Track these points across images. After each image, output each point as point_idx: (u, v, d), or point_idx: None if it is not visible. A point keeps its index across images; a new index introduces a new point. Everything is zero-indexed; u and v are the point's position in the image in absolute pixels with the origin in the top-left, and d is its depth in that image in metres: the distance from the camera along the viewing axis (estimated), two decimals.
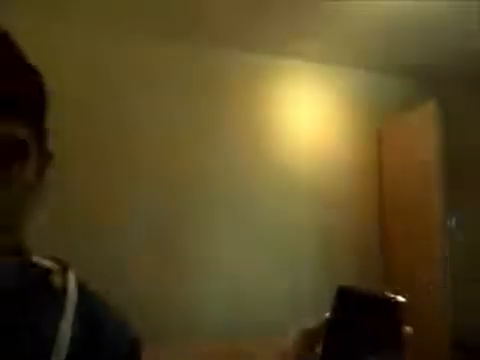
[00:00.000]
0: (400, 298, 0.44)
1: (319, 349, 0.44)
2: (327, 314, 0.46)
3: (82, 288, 0.55)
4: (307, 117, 2.84)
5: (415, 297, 2.55)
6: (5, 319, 0.45)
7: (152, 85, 2.56)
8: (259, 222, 2.63)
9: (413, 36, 2.51)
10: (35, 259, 0.54)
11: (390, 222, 2.83)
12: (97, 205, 2.38)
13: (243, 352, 2.01)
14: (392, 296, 0.43)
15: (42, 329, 0.47)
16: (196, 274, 2.49)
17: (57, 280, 0.52)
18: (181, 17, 2.34)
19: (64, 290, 0.51)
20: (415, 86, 3.03)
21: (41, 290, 0.50)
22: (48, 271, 0.53)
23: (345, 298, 0.44)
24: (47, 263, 0.55)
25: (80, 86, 2.42)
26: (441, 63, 2.83)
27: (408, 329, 0.42)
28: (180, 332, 2.37)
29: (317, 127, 2.85)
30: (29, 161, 0.45)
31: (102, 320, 0.54)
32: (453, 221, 2.56)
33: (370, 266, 2.83)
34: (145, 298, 2.38)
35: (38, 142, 0.47)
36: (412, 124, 2.64)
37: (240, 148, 2.67)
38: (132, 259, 2.40)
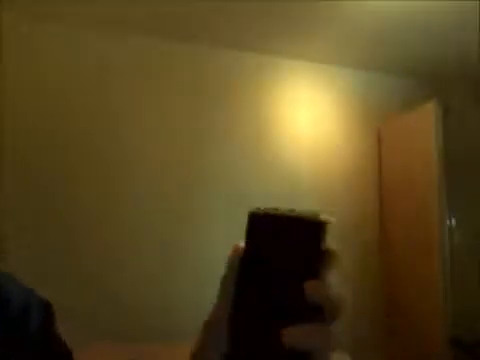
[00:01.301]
0: (326, 217, 0.35)
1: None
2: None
3: None
4: (307, 117, 2.84)
5: (414, 297, 2.55)
6: None
7: (151, 85, 2.56)
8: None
9: (413, 36, 2.50)
10: None
11: (390, 222, 2.83)
12: (97, 204, 2.38)
13: None
14: (317, 216, 0.36)
15: None
16: (196, 274, 2.49)
17: None
18: (181, 17, 2.35)
19: None
20: (415, 86, 3.03)
21: None
22: None
23: (259, 225, 0.37)
24: None
25: (79, 87, 2.43)
26: (441, 63, 2.83)
27: (333, 245, 0.35)
28: (180, 332, 2.37)
29: (317, 127, 2.85)
30: None
31: (2, 293, 0.47)
32: (453, 221, 2.56)
33: (369, 265, 2.84)
34: (144, 298, 2.38)
35: None
36: (412, 124, 2.64)
37: (240, 148, 2.67)
38: (132, 259, 2.40)
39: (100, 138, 2.43)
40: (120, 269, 2.36)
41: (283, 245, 0.35)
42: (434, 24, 2.36)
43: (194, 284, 2.47)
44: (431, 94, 2.77)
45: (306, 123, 2.83)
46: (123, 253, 2.38)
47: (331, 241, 0.36)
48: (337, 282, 0.34)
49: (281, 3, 2.17)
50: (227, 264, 0.40)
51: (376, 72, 2.99)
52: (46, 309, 0.51)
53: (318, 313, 0.33)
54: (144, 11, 2.27)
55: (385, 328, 2.78)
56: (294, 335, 0.32)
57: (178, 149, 2.56)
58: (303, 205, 2.74)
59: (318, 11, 2.26)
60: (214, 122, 2.64)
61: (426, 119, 2.51)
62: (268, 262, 0.35)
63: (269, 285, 0.35)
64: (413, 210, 2.59)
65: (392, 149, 2.84)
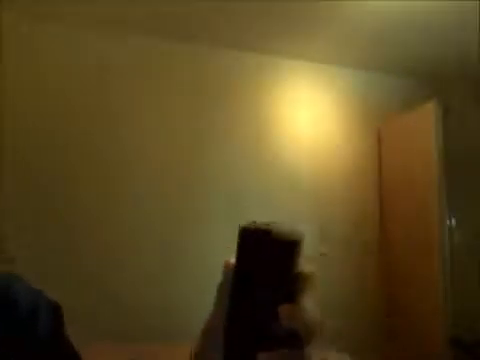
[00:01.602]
0: (298, 235, 0.35)
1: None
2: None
3: None
4: (307, 117, 2.84)
5: (414, 297, 2.55)
6: None
7: (151, 85, 2.56)
8: (259, 222, 2.63)
9: (413, 36, 2.50)
10: None
11: (390, 222, 2.83)
12: (97, 204, 2.38)
13: None
14: (290, 234, 0.35)
15: None
16: (196, 274, 2.49)
17: None
18: (181, 17, 2.35)
19: None
20: (415, 86, 3.03)
21: None
22: None
23: (247, 239, 0.37)
24: None
25: (79, 87, 2.43)
26: (441, 63, 2.83)
27: (308, 268, 0.36)
28: (180, 332, 2.37)
29: (317, 127, 2.85)
30: None
31: (10, 294, 0.47)
32: (453, 221, 2.56)
33: (369, 265, 2.84)
34: (144, 298, 2.38)
35: None
36: (412, 124, 2.64)
37: (240, 148, 2.67)
38: (132, 259, 2.40)
39: (100, 138, 2.43)
40: (120, 269, 2.36)
41: (264, 263, 0.36)
42: (434, 24, 2.36)
43: (194, 284, 2.47)
44: (431, 94, 2.76)
45: (306, 123, 2.83)
46: (123, 253, 2.38)
47: (306, 262, 0.36)
48: (312, 305, 0.34)
49: (281, 3, 2.17)
50: (223, 273, 0.41)
51: (376, 72, 2.99)
52: (55, 311, 0.51)
53: (294, 336, 0.34)
54: (144, 11, 2.27)
55: (385, 328, 2.78)
56: None
57: (178, 149, 2.56)
58: (303, 205, 2.74)
59: (318, 11, 2.26)
60: (214, 122, 2.64)
61: (426, 119, 2.51)
62: (253, 278, 0.36)
63: (254, 301, 0.36)
64: (413, 210, 2.59)
65: (392, 149, 2.84)
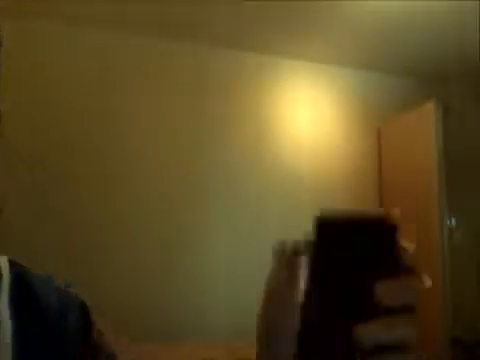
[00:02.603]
0: (394, 214, 0.34)
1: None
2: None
3: (13, 265, 0.47)
4: (307, 117, 2.84)
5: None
6: None
7: (151, 85, 2.56)
8: (259, 222, 2.63)
9: (413, 36, 2.50)
10: None
11: None
12: (96, 205, 2.38)
13: (242, 351, 2.01)
14: (385, 216, 0.34)
15: None
16: (196, 274, 2.49)
17: None
18: (181, 17, 2.35)
19: None
20: (415, 86, 3.03)
21: None
22: None
23: (326, 231, 0.36)
24: None
25: (79, 87, 2.43)
26: (441, 63, 2.83)
27: (408, 246, 0.35)
28: (180, 332, 2.37)
29: (317, 127, 2.85)
30: None
31: (41, 296, 0.47)
32: (453, 221, 2.56)
33: None
34: (144, 298, 2.38)
35: None
36: (412, 124, 2.64)
37: (240, 148, 2.67)
38: (132, 259, 2.40)
39: (100, 138, 2.43)
40: (120, 269, 2.36)
41: (353, 249, 0.36)
42: (434, 24, 2.36)
43: (194, 284, 2.46)
44: (431, 94, 2.76)
45: (306, 123, 2.83)
46: (123, 253, 2.38)
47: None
48: None
49: (281, 3, 2.17)
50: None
51: (376, 72, 2.99)
52: (82, 310, 0.52)
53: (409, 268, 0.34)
54: (144, 11, 2.28)
55: None
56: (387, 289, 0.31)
57: (178, 149, 2.56)
58: (303, 205, 2.73)
59: (318, 11, 2.26)
60: (214, 122, 2.64)
61: (426, 119, 2.51)
62: (339, 268, 0.35)
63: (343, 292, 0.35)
64: (413, 210, 2.58)
65: (392, 149, 2.84)
